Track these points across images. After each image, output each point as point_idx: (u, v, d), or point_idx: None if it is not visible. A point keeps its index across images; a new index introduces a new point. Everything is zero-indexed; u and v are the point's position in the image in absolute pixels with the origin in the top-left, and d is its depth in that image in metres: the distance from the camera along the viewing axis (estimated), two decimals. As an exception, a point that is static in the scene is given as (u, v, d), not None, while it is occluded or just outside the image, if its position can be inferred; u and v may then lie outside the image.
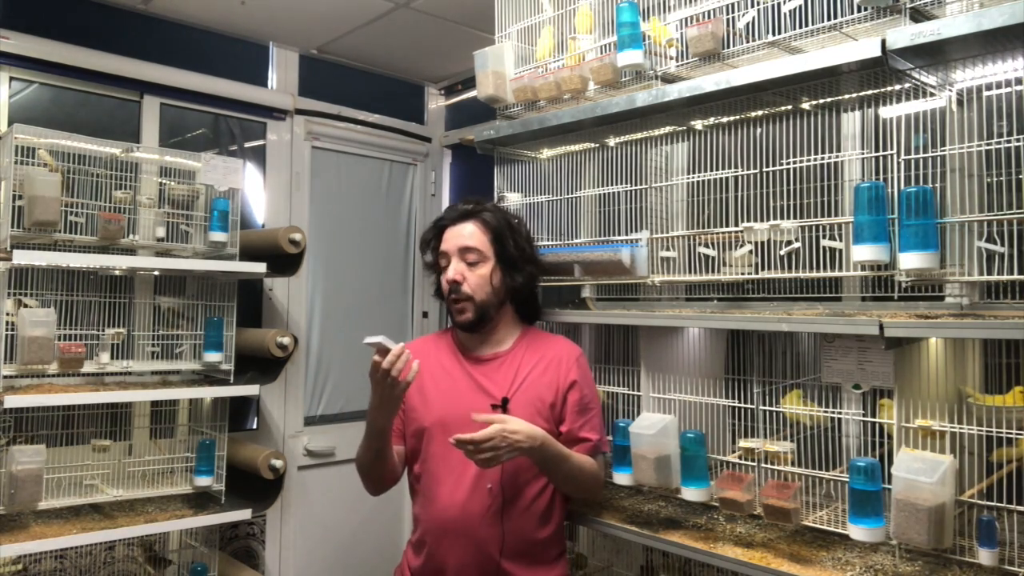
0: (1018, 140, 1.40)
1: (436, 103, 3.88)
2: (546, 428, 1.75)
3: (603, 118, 1.96)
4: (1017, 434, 1.41)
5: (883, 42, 1.41)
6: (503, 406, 1.78)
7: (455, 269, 1.84)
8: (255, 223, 3.21)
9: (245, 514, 2.58)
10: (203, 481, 2.55)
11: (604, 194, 2.12)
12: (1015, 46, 1.36)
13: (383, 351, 1.61)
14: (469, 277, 1.84)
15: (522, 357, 1.87)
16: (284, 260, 2.79)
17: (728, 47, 1.75)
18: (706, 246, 1.85)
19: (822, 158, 1.65)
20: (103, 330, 2.51)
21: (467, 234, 1.86)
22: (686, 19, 1.84)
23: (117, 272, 2.61)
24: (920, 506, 1.38)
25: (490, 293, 1.85)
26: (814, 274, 1.64)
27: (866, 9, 1.51)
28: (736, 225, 1.78)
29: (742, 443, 1.72)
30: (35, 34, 2.63)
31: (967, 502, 1.48)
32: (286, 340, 2.70)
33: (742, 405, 1.81)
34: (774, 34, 1.66)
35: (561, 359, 1.86)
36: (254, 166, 3.24)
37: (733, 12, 1.75)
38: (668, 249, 1.93)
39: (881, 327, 1.44)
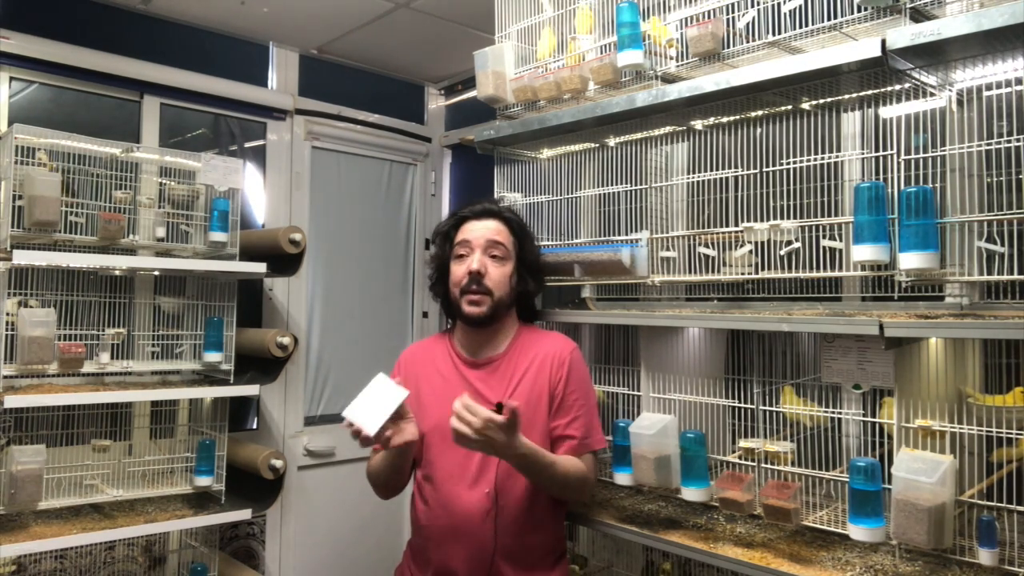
0: (1018, 140, 1.39)
1: (436, 103, 3.88)
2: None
3: (603, 118, 1.96)
4: (1017, 434, 1.41)
5: (883, 42, 1.41)
6: (497, 411, 1.77)
7: (480, 261, 1.83)
8: (255, 223, 3.21)
9: (245, 514, 2.58)
10: (203, 481, 2.54)
11: (604, 194, 2.12)
12: (1015, 46, 1.36)
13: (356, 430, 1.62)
14: (492, 272, 1.84)
15: (517, 359, 1.86)
16: (284, 260, 2.79)
17: (728, 47, 1.75)
18: (706, 246, 1.85)
19: (822, 158, 1.65)
20: (103, 330, 2.50)
21: (494, 229, 1.87)
22: (686, 19, 1.84)
23: (117, 272, 2.60)
24: (920, 506, 1.37)
25: (507, 293, 1.86)
26: (814, 274, 1.64)
27: (866, 9, 1.51)
28: (736, 225, 1.78)
29: (742, 443, 1.72)
30: (35, 34, 2.63)
31: (967, 502, 1.48)
32: (286, 340, 2.70)
33: (742, 405, 1.81)
34: (774, 34, 1.66)
35: (554, 357, 1.85)
36: (254, 166, 3.24)
37: (733, 12, 1.75)
38: (668, 249, 1.93)
39: (881, 327, 1.43)
